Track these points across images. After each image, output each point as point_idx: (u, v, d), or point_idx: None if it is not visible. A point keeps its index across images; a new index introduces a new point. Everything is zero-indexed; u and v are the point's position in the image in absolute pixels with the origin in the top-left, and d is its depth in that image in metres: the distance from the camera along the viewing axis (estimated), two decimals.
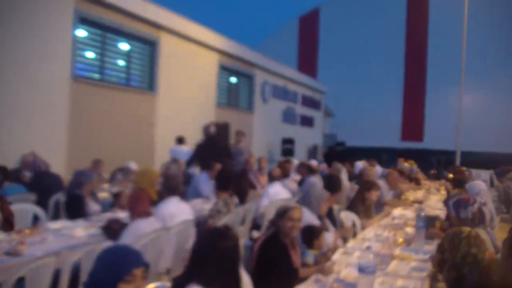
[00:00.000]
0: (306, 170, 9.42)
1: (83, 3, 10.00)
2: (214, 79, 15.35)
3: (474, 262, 2.81)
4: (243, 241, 4.02)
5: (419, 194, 9.36)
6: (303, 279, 3.53)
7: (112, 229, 4.41)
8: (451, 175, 10.39)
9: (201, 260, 2.52)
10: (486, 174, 14.86)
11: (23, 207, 5.58)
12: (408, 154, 17.98)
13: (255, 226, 6.60)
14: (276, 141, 20.18)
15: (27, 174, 7.30)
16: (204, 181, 7.66)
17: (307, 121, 23.92)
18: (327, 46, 30.35)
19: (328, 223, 5.13)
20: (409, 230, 5.26)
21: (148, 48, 12.41)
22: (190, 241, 4.77)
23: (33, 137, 8.86)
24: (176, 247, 4.67)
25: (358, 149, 25.37)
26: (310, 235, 4.18)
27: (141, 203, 4.43)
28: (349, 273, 3.58)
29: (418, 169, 13.60)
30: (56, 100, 9.52)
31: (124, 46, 11.77)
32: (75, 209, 5.55)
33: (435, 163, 21.83)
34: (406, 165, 12.34)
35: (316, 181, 7.25)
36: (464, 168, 11.22)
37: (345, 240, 4.95)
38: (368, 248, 4.42)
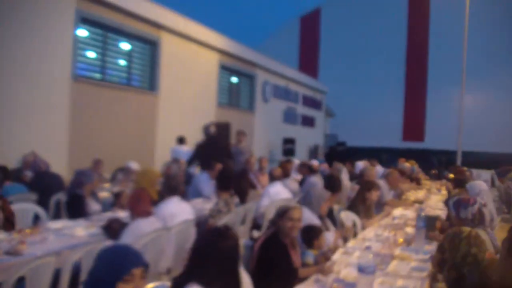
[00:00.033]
0: (306, 170, 9.43)
1: (84, 2, 10.00)
2: (215, 79, 15.35)
3: (474, 262, 2.82)
4: (243, 241, 4.03)
5: (420, 194, 9.35)
6: (303, 279, 3.54)
7: (113, 229, 4.42)
8: (451, 175, 10.39)
9: (201, 259, 2.53)
10: (487, 174, 14.88)
11: (24, 207, 5.59)
12: (409, 154, 17.97)
13: (256, 226, 6.61)
14: (277, 141, 20.18)
15: (28, 174, 7.32)
16: (205, 181, 7.67)
17: (308, 121, 23.92)
18: (328, 46, 30.33)
19: (328, 223, 5.14)
20: (409, 230, 5.26)
21: (149, 48, 12.42)
22: (190, 240, 4.77)
23: (34, 137, 8.87)
24: (176, 247, 4.67)
25: (359, 149, 25.36)
26: (310, 235, 4.18)
27: (142, 202, 4.44)
28: (349, 273, 3.58)
29: (419, 169, 13.60)
30: (57, 100, 9.52)
31: (125, 45, 11.77)
32: (75, 208, 5.56)
33: (436, 163, 21.80)
34: (407, 165, 12.33)
35: (316, 181, 7.26)
36: (465, 168, 11.22)
37: (345, 240, 4.96)
38: (368, 248, 4.42)
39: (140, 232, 4.15)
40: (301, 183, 8.61)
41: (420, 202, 8.02)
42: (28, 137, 8.72)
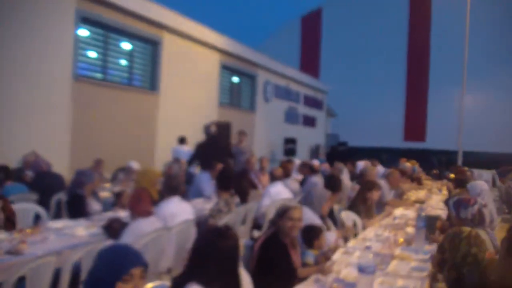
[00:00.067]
0: (307, 170, 9.42)
1: (85, 2, 10.01)
2: (216, 78, 15.35)
3: (474, 262, 2.81)
4: (244, 241, 4.03)
5: (421, 194, 9.34)
6: (303, 279, 3.54)
7: (113, 229, 4.42)
8: (452, 175, 10.39)
9: (201, 259, 2.53)
10: (488, 174, 14.87)
11: (25, 207, 5.60)
12: (410, 154, 17.98)
13: (257, 225, 6.61)
14: (278, 141, 20.18)
15: (29, 174, 7.33)
16: (206, 180, 7.68)
17: (309, 121, 23.91)
18: (329, 46, 30.32)
19: (330, 223, 5.14)
20: (410, 230, 5.26)
21: (150, 47, 12.43)
22: (191, 240, 4.77)
23: (35, 137, 8.88)
24: (177, 247, 4.68)
25: (361, 149, 25.36)
26: (311, 235, 4.18)
27: (142, 202, 4.44)
28: (349, 273, 3.58)
29: (420, 169, 13.59)
30: (58, 100, 9.53)
31: (126, 45, 11.78)
32: (76, 208, 5.56)
33: (437, 163, 21.80)
34: (408, 165, 12.33)
35: (317, 181, 7.27)
36: (466, 168, 11.21)
37: (346, 240, 4.95)
38: (368, 248, 4.42)
39: (140, 232, 4.16)
40: (302, 183, 8.62)
41: (421, 202, 8.01)
42: (29, 137, 8.73)
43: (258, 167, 9.42)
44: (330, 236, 4.71)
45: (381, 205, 6.83)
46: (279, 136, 20.20)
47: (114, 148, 10.59)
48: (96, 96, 10.47)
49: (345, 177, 9.55)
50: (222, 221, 5.24)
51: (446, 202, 6.92)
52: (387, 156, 20.89)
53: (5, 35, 8.41)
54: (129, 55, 11.94)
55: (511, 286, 2.48)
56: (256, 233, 6.29)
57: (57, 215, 5.96)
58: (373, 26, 28.12)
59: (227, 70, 16.28)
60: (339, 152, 23.56)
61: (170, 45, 12.79)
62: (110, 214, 5.51)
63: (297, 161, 11.48)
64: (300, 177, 9.46)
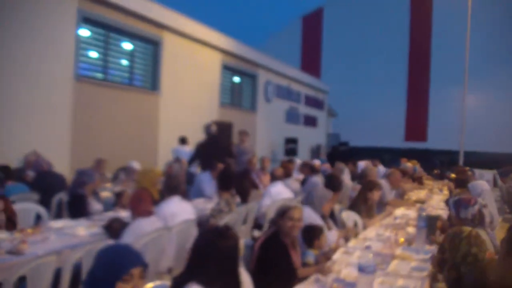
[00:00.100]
0: (308, 169, 9.42)
1: (86, 2, 10.02)
2: (217, 78, 15.36)
3: (474, 262, 2.81)
4: (245, 241, 4.04)
5: (422, 194, 9.34)
6: (303, 279, 3.54)
7: (114, 228, 4.43)
8: (453, 175, 10.38)
9: (201, 259, 2.53)
10: (489, 174, 14.84)
11: (26, 206, 5.61)
12: (411, 154, 17.98)
13: (257, 225, 6.62)
14: (279, 140, 20.18)
15: (30, 174, 7.34)
16: (207, 180, 7.69)
17: (310, 121, 23.91)
18: (330, 46, 30.33)
19: (331, 223, 5.14)
20: (411, 230, 5.25)
21: (151, 47, 12.43)
22: (191, 240, 4.77)
23: (36, 137, 8.89)
24: (177, 247, 4.69)
25: (362, 149, 25.39)
26: (311, 234, 4.18)
27: (143, 202, 4.45)
28: (349, 272, 3.58)
29: (421, 169, 13.59)
30: (59, 100, 9.54)
31: (127, 45, 11.78)
32: (77, 208, 5.57)
33: (438, 163, 21.79)
34: (409, 165, 12.33)
35: (318, 180, 7.28)
36: (467, 168, 11.20)
37: (347, 240, 4.95)
38: (368, 247, 4.42)
39: (141, 232, 4.16)
40: (303, 183, 8.62)
41: (422, 202, 8.00)
42: (30, 137, 8.74)
43: (259, 167, 9.43)
44: (331, 235, 4.72)
45: (382, 205, 6.83)
46: (280, 136, 20.20)
47: (115, 148, 10.60)
48: (97, 96, 10.48)
49: (346, 177, 9.55)
50: (223, 221, 5.24)
51: (447, 202, 6.92)
52: (388, 156, 20.89)
53: (6, 35, 8.42)
54: (130, 55, 11.95)
55: (511, 286, 2.47)
56: (257, 233, 6.30)
57: (58, 215, 5.97)
58: (374, 26, 28.13)
59: (228, 70, 16.28)
60: (340, 152, 23.56)
61: (171, 45, 12.79)
62: (111, 214, 5.51)
63: (298, 161, 11.49)
64: (301, 176, 9.46)
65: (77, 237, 4.43)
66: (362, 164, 11.57)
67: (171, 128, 12.51)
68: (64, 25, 9.62)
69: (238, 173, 7.80)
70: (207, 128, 9.44)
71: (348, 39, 28.95)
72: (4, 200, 4.83)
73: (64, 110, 9.64)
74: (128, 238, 4.10)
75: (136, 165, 8.43)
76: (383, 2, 28.05)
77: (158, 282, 2.98)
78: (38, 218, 5.57)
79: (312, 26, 31.21)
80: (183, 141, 11.57)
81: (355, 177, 10.07)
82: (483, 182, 6.69)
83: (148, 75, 12.45)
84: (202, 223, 5.45)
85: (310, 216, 4.63)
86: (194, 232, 4.98)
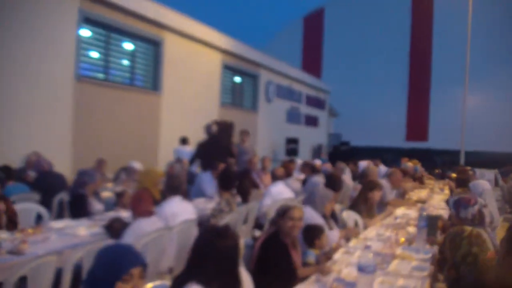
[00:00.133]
0: (309, 169, 9.43)
1: (87, 3, 10.03)
2: (218, 78, 15.37)
3: (474, 261, 2.81)
4: (245, 240, 4.04)
5: (423, 193, 9.33)
6: (303, 279, 3.54)
7: (115, 228, 4.44)
8: (454, 175, 10.37)
9: (200, 259, 2.54)
10: (490, 173, 14.82)
11: (27, 207, 5.62)
12: (412, 154, 17.95)
13: (258, 225, 6.62)
14: (280, 140, 20.17)
15: (31, 174, 7.35)
16: (208, 180, 7.70)
17: (311, 121, 23.90)
18: (331, 46, 30.29)
19: (332, 222, 5.14)
20: (411, 229, 5.25)
21: (152, 47, 12.44)
22: (192, 240, 4.78)
23: (38, 137, 8.90)
24: (178, 246, 4.69)
25: (363, 148, 25.37)
26: (312, 234, 4.18)
27: (144, 202, 4.46)
28: (349, 272, 3.58)
29: (422, 168, 13.58)
30: (60, 100, 9.55)
31: (128, 46, 11.79)
32: (78, 208, 5.58)
33: (440, 163, 21.77)
34: (410, 164, 12.32)
35: (319, 180, 7.27)
36: (468, 168, 11.19)
37: (348, 240, 4.95)
38: (368, 247, 4.42)
39: (141, 232, 4.17)
40: (304, 182, 8.62)
41: (422, 201, 8.00)
42: (31, 137, 8.76)
43: (260, 167, 9.43)
44: (333, 235, 4.72)
45: (383, 205, 6.83)
46: (281, 136, 20.20)
47: (116, 148, 10.61)
48: (98, 96, 10.49)
49: (347, 177, 9.54)
50: (223, 220, 5.25)
51: (447, 202, 6.91)
52: (390, 156, 20.87)
53: (6, 35, 8.42)
54: (131, 55, 11.96)
55: (511, 286, 2.47)
56: (257, 233, 6.30)
57: (59, 215, 5.98)
58: (375, 26, 28.10)
59: (229, 70, 16.29)
60: (341, 152, 23.55)
61: (172, 45, 12.80)
62: (111, 214, 5.52)
63: (299, 161, 11.48)
64: (302, 176, 9.46)
65: (78, 237, 4.44)
66: (363, 164, 11.56)
67: (172, 128, 12.52)
68: (65, 25, 9.63)
69: (238, 173, 7.80)
70: (207, 128, 9.44)
71: (349, 39, 28.92)
72: (5, 200, 4.84)
73: (65, 111, 9.65)
74: (128, 238, 4.11)
75: (137, 165, 8.44)
76: (384, 2, 28.01)
77: (158, 282, 2.99)
78: (39, 218, 5.58)
79: (313, 26, 31.18)
80: (184, 141, 11.58)
81: (356, 177, 10.06)
82: (484, 182, 6.68)
83: (149, 75, 12.46)
84: (203, 223, 5.46)
85: (312, 216, 4.63)
86: (195, 232, 4.98)
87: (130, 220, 4.48)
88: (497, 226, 5.97)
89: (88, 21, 10.22)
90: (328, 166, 11.25)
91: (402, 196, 8.22)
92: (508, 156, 21.04)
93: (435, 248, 4.26)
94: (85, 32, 10.31)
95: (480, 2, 21.31)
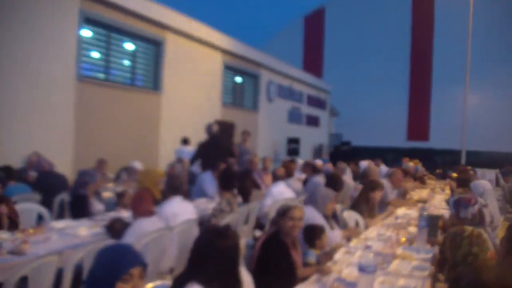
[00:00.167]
0: (310, 169, 9.43)
1: (88, 3, 10.04)
2: (219, 78, 15.37)
3: (474, 261, 2.81)
4: (246, 240, 4.04)
5: (424, 193, 9.33)
6: (303, 279, 3.54)
7: (115, 228, 4.44)
8: (455, 174, 10.36)
9: (201, 259, 2.54)
10: (491, 173, 14.82)
11: (28, 207, 5.61)
12: (413, 153, 17.96)
13: (259, 225, 6.62)
14: (282, 140, 20.18)
15: (32, 174, 7.36)
16: (209, 180, 7.70)
17: (312, 121, 23.90)
18: (332, 46, 30.28)
19: (333, 223, 5.14)
20: (412, 229, 5.25)
21: (153, 47, 12.45)
22: (193, 240, 4.78)
23: (39, 137, 8.91)
24: (179, 247, 4.69)
25: (364, 148, 25.35)
26: (312, 234, 4.18)
27: (144, 202, 4.46)
28: (350, 272, 3.58)
29: (423, 168, 13.58)
30: (61, 100, 9.56)
31: (129, 46, 11.80)
32: (79, 208, 5.58)
33: (441, 163, 21.77)
34: (411, 164, 12.32)
35: (320, 180, 7.28)
36: (469, 167, 11.19)
37: (349, 239, 4.95)
38: (368, 247, 4.41)
39: (142, 232, 4.17)
40: (305, 182, 8.62)
41: (423, 201, 8.00)
42: (32, 138, 8.76)
43: (261, 167, 9.43)
44: (334, 235, 4.71)
45: (384, 205, 6.83)
46: (282, 136, 20.20)
47: (117, 148, 10.62)
48: (99, 96, 10.50)
49: (348, 177, 9.54)
50: (224, 220, 5.25)
51: (448, 201, 6.91)
52: (391, 156, 20.86)
53: (7, 35, 8.43)
54: (132, 55, 11.97)
55: (510, 286, 2.47)
56: (258, 233, 6.30)
57: (60, 215, 5.98)
58: (376, 25, 28.07)
59: (230, 70, 16.30)
60: (343, 152, 23.54)
61: (173, 45, 12.80)
62: (112, 214, 5.52)
63: (300, 161, 11.49)
64: (303, 176, 9.46)
65: (78, 237, 4.44)
66: (364, 163, 11.56)
67: (173, 128, 12.52)
68: (65, 25, 9.64)
69: (240, 173, 7.80)
70: (208, 128, 9.45)
71: (350, 38, 28.90)
72: (6, 201, 4.84)
73: (66, 111, 9.66)
74: (129, 238, 4.11)
75: (138, 165, 8.44)
76: (385, 2, 27.99)
77: (158, 282, 2.99)
78: (40, 218, 5.58)
79: (314, 26, 31.17)
80: (185, 141, 11.59)
81: (357, 177, 10.05)
82: (485, 182, 6.67)
83: (150, 75, 12.47)
84: (204, 223, 5.46)
85: (313, 216, 4.63)
86: (195, 232, 4.98)
87: (131, 220, 4.48)
88: (498, 226, 5.97)
89: (89, 21, 10.23)
90: (329, 166, 11.24)
91: (403, 196, 8.21)
92: (509, 156, 21.04)
93: (436, 248, 4.26)
94: (86, 32, 10.32)
95: (480, 1, 21.29)
